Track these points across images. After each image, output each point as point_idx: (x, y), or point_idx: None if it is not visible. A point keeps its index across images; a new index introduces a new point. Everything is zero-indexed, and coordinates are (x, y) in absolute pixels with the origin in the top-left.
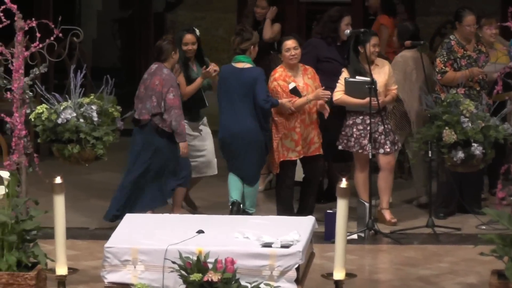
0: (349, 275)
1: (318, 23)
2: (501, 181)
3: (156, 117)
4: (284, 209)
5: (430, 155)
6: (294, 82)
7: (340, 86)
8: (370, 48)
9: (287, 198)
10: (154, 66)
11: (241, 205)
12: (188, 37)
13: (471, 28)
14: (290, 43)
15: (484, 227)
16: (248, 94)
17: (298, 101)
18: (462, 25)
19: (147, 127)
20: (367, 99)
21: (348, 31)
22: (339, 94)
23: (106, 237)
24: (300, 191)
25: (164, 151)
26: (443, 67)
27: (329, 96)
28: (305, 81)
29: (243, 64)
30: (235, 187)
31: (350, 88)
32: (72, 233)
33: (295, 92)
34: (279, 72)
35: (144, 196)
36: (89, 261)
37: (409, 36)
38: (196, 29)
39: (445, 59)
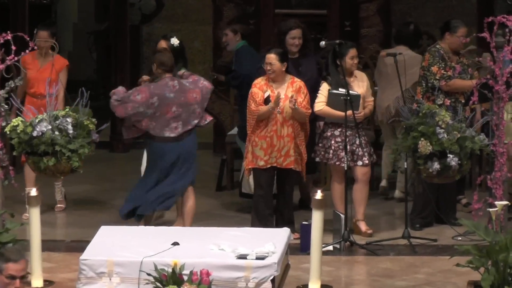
0: (324, 286)
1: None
2: (477, 192)
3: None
4: (257, 218)
5: (405, 166)
6: (272, 92)
7: (321, 97)
8: (348, 61)
9: (258, 207)
10: (174, 82)
11: None
12: (161, 43)
13: (463, 39)
14: (268, 57)
15: (460, 238)
16: None
17: (261, 109)
18: (454, 36)
19: (188, 138)
20: (350, 111)
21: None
22: (321, 105)
23: (82, 249)
24: (276, 204)
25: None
26: (445, 72)
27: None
28: (287, 92)
29: None
30: None
31: (334, 100)
32: (48, 245)
33: (266, 101)
34: (258, 80)
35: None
36: (65, 274)
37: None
38: (173, 38)
39: (443, 65)
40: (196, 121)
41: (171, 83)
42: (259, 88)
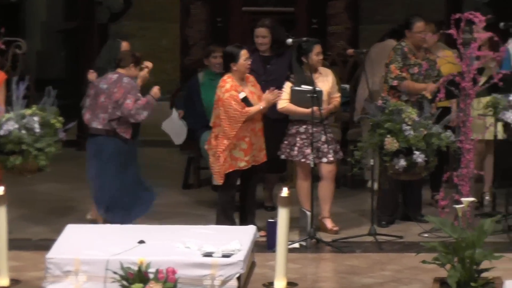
0: (290, 284)
1: None
2: (443, 189)
3: (114, 122)
4: (225, 219)
5: (372, 163)
6: (243, 92)
7: (284, 94)
8: (314, 58)
9: (228, 208)
10: (114, 76)
11: None
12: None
13: (421, 35)
14: (246, 52)
15: (426, 235)
16: None
17: (252, 109)
18: (412, 32)
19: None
20: (314, 108)
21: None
22: (284, 102)
23: (50, 248)
24: (240, 200)
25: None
26: (400, 73)
27: (280, 94)
28: (249, 89)
29: None
30: None
31: (296, 97)
32: (15, 244)
33: (245, 101)
34: (229, 82)
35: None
36: (32, 272)
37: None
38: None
39: (401, 65)
40: (119, 113)
41: (110, 76)
42: (235, 90)
